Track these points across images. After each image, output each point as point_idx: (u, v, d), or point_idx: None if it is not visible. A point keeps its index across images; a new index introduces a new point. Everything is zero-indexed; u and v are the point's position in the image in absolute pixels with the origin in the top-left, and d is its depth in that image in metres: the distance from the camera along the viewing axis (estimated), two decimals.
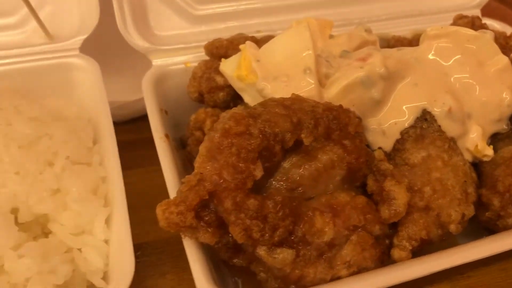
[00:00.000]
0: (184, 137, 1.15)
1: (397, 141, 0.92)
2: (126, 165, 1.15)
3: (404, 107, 0.92)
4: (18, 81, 1.08)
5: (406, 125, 0.92)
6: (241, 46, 1.02)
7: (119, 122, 1.22)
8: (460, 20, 1.12)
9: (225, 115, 0.78)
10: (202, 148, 0.76)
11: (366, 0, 1.34)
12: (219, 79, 1.05)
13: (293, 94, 0.87)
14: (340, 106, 0.87)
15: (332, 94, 0.91)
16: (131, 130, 1.18)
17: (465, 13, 1.18)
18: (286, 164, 0.81)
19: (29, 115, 0.94)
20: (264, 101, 0.84)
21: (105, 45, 1.19)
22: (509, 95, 0.93)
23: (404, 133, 0.92)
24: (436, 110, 0.91)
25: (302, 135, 0.80)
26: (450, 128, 0.91)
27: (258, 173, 0.74)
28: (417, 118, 0.92)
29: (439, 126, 0.91)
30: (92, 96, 1.06)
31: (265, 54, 0.98)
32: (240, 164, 0.73)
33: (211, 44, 1.11)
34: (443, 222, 0.87)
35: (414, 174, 0.89)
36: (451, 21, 1.19)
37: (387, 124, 0.92)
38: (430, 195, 0.86)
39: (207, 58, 1.13)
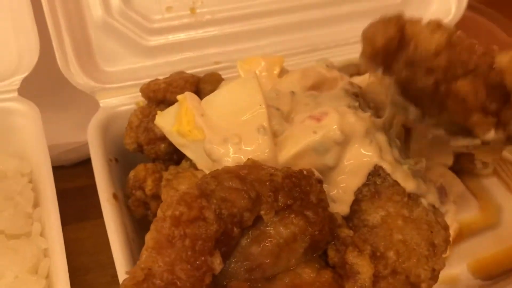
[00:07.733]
0: None
1: (353, 202, 0.87)
2: (77, 217, 1.08)
3: (354, 166, 0.87)
4: None
5: (359, 184, 0.87)
6: (179, 97, 0.91)
7: (68, 166, 1.14)
8: None
9: (173, 198, 0.71)
10: (148, 240, 0.69)
11: (333, 22, 1.28)
12: (158, 129, 0.94)
13: (248, 159, 0.81)
14: (301, 171, 0.81)
15: (283, 158, 0.85)
16: (81, 173, 1.09)
17: None
18: (244, 242, 0.75)
19: None
20: (216, 172, 0.77)
21: (47, 84, 1.10)
22: None
23: (358, 193, 0.87)
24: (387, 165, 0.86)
25: (262, 212, 0.74)
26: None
27: (217, 266, 0.68)
28: (369, 174, 0.87)
29: (394, 180, 0.87)
30: (33, 146, 0.97)
31: (210, 108, 0.89)
32: (196, 261, 0.66)
33: (147, 87, 1.01)
34: (413, 282, 0.83)
35: (375, 235, 0.85)
36: None
37: (337, 189, 0.87)
38: (394, 261, 0.83)
39: None
